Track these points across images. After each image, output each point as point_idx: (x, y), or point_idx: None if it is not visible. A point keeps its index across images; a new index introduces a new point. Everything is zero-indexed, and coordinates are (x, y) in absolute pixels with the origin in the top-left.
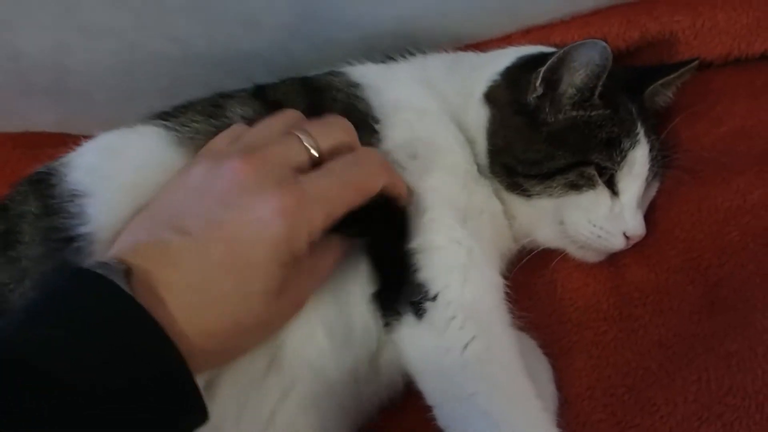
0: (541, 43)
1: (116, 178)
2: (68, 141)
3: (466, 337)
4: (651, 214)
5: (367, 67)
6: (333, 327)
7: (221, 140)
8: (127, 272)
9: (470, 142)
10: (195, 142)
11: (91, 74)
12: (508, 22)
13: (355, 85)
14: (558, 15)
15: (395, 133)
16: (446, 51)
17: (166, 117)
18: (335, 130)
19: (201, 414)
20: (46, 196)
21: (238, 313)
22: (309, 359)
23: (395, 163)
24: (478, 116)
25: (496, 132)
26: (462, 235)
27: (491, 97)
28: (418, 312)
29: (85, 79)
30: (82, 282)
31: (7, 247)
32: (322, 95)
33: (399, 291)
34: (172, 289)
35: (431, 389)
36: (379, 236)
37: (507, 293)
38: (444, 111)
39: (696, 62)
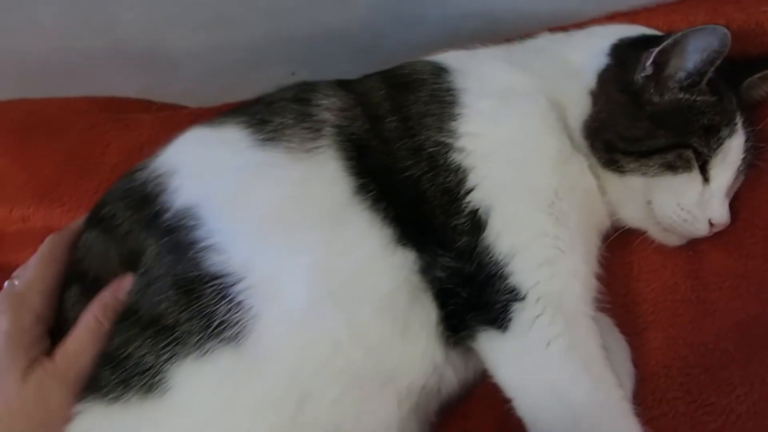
0: None
1: (254, 230)
2: (151, 107)
3: (551, 334)
4: (732, 202)
5: (452, 54)
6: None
7: None
8: None
9: (565, 119)
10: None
11: (181, 46)
12: (593, 7)
13: (441, 69)
14: (643, 2)
15: (477, 127)
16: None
17: (259, 127)
18: None
19: None
20: (175, 241)
21: None
22: None
23: (473, 157)
24: (581, 95)
25: (599, 109)
26: (547, 224)
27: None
28: (503, 324)
29: (174, 50)
30: None
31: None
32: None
33: (479, 309)
34: None
35: (511, 384)
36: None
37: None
38: (536, 89)
39: None
